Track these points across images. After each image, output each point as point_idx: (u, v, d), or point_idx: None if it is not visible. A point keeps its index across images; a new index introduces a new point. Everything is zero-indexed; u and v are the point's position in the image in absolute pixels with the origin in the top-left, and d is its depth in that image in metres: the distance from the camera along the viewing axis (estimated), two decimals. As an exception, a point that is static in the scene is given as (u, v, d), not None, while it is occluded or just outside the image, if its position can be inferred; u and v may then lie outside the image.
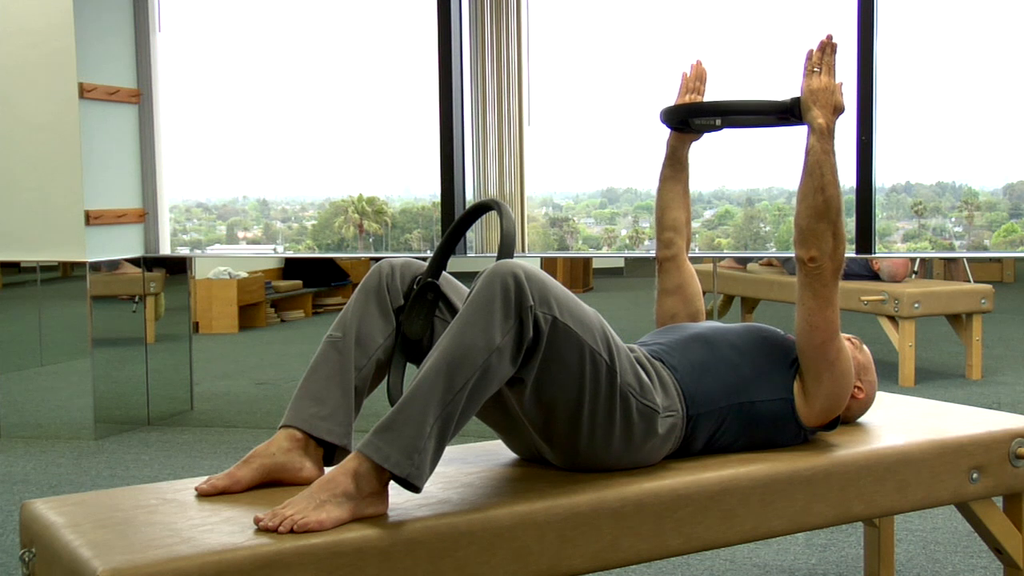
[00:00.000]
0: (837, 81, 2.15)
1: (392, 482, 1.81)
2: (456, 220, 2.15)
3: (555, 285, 1.92)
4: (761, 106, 2.23)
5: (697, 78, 2.50)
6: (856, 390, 2.36)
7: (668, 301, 2.48)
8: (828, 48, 2.15)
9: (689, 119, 2.37)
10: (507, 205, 2.08)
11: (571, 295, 1.96)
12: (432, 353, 1.84)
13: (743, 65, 4.64)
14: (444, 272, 2.11)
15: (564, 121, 4.81)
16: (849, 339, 2.35)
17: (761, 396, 2.15)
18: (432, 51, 4.66)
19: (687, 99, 2.49)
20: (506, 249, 2.00)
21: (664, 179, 2.52)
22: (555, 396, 1.94)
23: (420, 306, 2.05)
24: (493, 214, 2.08)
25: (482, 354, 1.81)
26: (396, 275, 2.09)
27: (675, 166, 2.51)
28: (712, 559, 2.92)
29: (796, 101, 2.17)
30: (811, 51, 2.16)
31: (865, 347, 2.43)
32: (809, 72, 2.15)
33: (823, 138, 2.11)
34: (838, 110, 2.15)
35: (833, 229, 2.09)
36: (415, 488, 1.80)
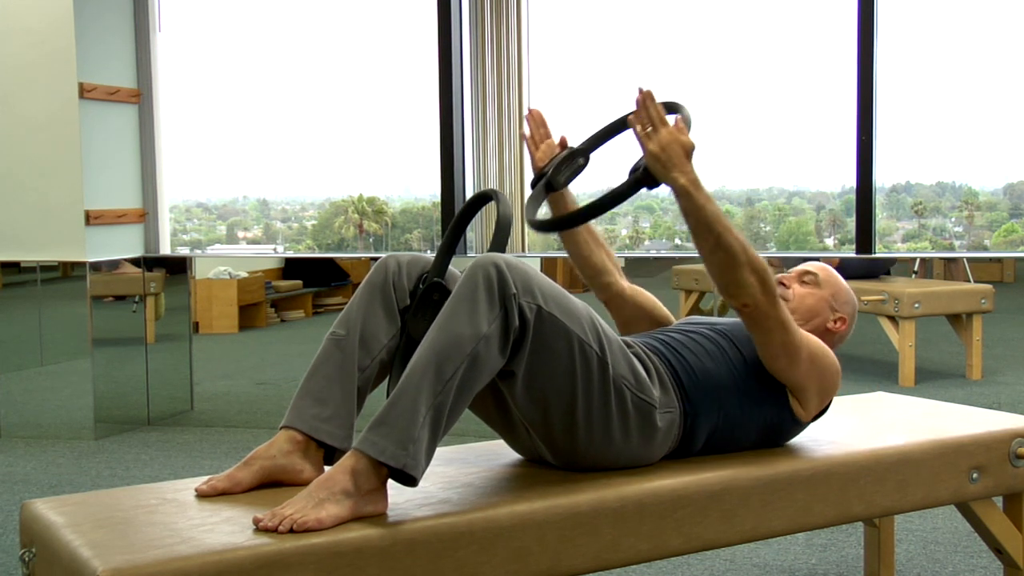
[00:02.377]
0: (671, 124, 1.99)
1: (392, 482, 1.81)
2: (456, 215, 2.14)
3: (539, 276, 1.92)
4: (616, 195, 2.08)
5: (540, 125, 2.37)
6: (836, 324, 2.31)
7: (638, 326, 2.42)
8: (647, 102, 1.99)
9: (553, 179, 2.25)
10: (504, 195, 2.07)
11: (557, 287, 1.96)
12: (420, 347, 1.84)
13: (744, 64, 4.65)
14: (450, 268, 2.10)
15: (564, 121, 4.80)
16: (781, 285, 2.26)
17: (760, 393, 2.15)
18: (432, 51, 4.66)
19: (539, 154, 2.34)
20: (501, 234, 2.00)
21: (564, 237, 2.41)
22: (547, 390, 1.94)
23: (426, 307, 2.03)
24: (493, 210, 2.07)
25: (469, 343, 1.81)
26: (403, 273, 2.07)
27: None
28: (712, 559, 2.92)
29: (647, 170, 2.01)
30: (630, 118, 2.02)
31: (797, 286, 2.30)
32: (644, 138, 1.99)
33: (691, 195, 1.97)
34: (689, 152, 1.98)
35: (750, 267, 1.99)
36: (412, 480, 1.80)
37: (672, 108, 2.11)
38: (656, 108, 1.99)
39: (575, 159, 2.27)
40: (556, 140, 2.36)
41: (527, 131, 2.38)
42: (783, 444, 2.24)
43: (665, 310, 2.45)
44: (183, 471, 4.00)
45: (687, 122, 2.06)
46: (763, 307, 2.02)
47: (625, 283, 2.43)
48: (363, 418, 2.04)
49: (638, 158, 2.03)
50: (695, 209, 1.97)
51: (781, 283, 2.30)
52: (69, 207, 4.53)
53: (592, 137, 2.29)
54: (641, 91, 2.00)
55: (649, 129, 1.99)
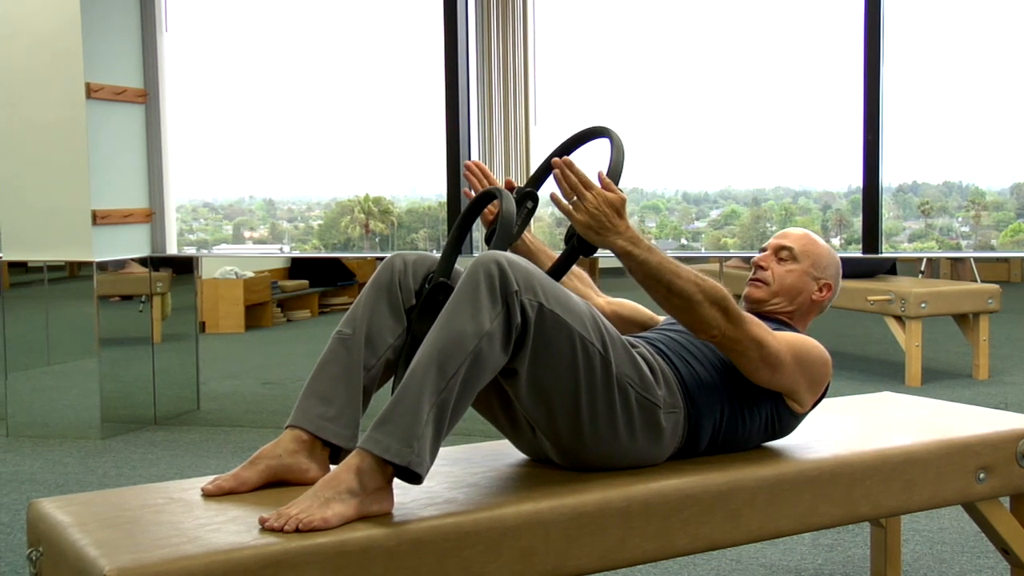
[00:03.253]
0: (594, 184, 1.95)
1: (397, 482, 1.81)
2: (461, 215, 2.14)
3: (540, 274, 1.92)
4: (556, 269, 2.07)
5: (482, 176, 2.29)
6: (822, 292, 2.30)
7: (633, 331, 2.41)
8: (564, 172, 1.95)
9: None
10: (508, 193, 2.06)
11: (558, 285, 1.96)
12: (423, 345, 1.84)
13: (750, 64, 4.64)
14: (456, 267, 2.09)
15: (570, 121, 4.81)
16: (759, 268, 2.27)
17: (755, 392, 2.14)
18: (438, 51, 4.66)
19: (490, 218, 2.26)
20: (504, 231, 1.99)
21: None
22: (551, 387, 1.94)
23: (431, 307, 2.01)
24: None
25: (472, 340, 1.81)
26: (408, 273, 2.07)
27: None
28: (718, 559, 2.91)
29: (580, 238, 1.98)
30: (552, 195, 1.97)
31: (775, 266, 2.28)
32: (571, 210, 1.96)
33: (632, 253, 1.96)
34: (620, 208, 1.96)
35: (708, 301, 1.99)
36: (418, 477, 1.80)
37: (598, 133, 2.08)
38: (576, 174, 1.95)
39: (524, 204, 2.17)
40: (501, 183, 2.26)
41: (468, 187, 2.30)
42: (787, 434, 2.24)
43: (648, 312, 2.42)
44: (189, 470, 4.00)
45: (617, 162, 2.02)
46: (731, 333, 2.02)
47: (602, 300, 2.40)
48: (368, 418, 2.04)
49: (570, 225, 2.00)
50: (639, 265, 1.97)
51: (758, 266, 2.30)
52: (76, 207, 4.54)
53: (535, 173, 2.22)
54: (555, 163, 1.97)
55: (574, 199, 1.96)
